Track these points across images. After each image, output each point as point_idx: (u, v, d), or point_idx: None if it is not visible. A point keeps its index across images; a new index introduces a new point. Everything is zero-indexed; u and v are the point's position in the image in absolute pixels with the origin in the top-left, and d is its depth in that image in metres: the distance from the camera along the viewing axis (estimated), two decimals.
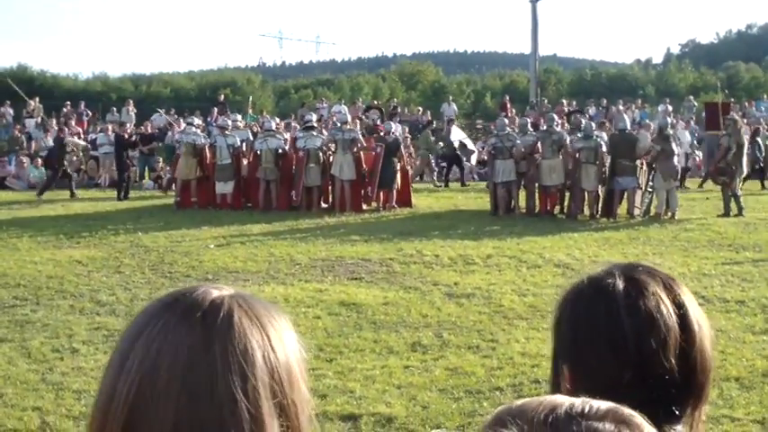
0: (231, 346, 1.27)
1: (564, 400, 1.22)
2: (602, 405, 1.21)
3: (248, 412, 1.25)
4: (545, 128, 21.66)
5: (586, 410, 1.20)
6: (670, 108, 37.12)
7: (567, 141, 20.88)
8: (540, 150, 20.97)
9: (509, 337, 10.14)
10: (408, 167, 24.05)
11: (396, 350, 9.73)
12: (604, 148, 20.37)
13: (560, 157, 20.78)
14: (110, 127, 32.11)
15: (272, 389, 1.28)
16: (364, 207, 22.00)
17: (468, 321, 10.93)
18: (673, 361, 1.69)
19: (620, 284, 1.77)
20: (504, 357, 9.34)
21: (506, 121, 23.59)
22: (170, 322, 1.29)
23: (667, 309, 1.73)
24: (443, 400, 8.03)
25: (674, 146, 20.34)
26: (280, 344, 1.33)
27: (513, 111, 37.21)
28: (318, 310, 11.53)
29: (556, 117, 22.94)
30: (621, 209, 20.41)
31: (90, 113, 37.75)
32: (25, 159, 29.76)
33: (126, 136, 26.39)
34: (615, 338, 1.72)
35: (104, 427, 1.28)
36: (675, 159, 20.35)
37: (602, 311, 1.75)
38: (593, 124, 22.62)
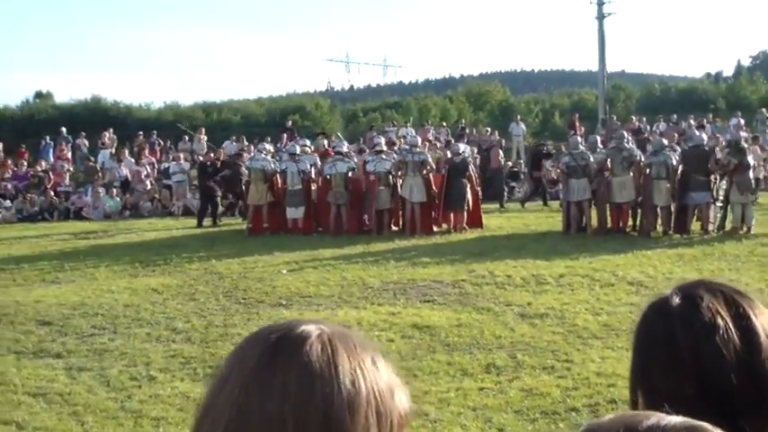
0: (319, 398, 1.26)
1: (649, 416, 1.24)
2: (686, 423, 1.23)
3: None
4: (614, 145, 21.51)
5: (662, 424, 1.20)
6: (742, 122, 36.68)
7: (638, 158, 20.69)
8: (611, 167, 20.79)
9: (584, 357, 10.06)
10: (478, 188, 23.99)
11: (470, 372, 9.69)
12: (674, 163, 20.14)
13: (631, 173, 20.58)
14: (182, 156, 32.50)
15: None
16: (435, 229, 21.98)
17: (542, 342, 10.86)
18: (733, 375, 1.69)
19: (677, 301, 1.79)
20: (580, 377, 9.26)
21: (579, 139, 23.48)
22: (261, 364, 1.28)
23: (725, 322, 1.74)
24: (519, 422, 7.98)
25: (749, 159, 20.09)
26: (366, 391, 1.32)
27: (583, 129, 36.98)
28: (391, 333, 11.53)
29: (625, 134, 22.72)
30: (695, 224, 20.16)
31: (162, 142, 38.19)
32: (101, 190, 30.18)
33: (208, 163, 26.60)
34: (672, 355, 1.74)
35: None
36: (751, 173, 20.06)
37: (661, 330, 1.79)
38: (664, 140, 22.38)
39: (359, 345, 1.33)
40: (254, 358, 1.29)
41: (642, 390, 1.77)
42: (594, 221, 21.13)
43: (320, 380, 1.26)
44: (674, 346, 1.74)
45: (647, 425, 1.22)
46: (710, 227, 20.00)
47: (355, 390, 1.28)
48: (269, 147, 25.86)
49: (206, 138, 37.51)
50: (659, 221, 20.31)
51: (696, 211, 20.21)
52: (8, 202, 29.75)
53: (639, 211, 20.81)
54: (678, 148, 21.84)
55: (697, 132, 23.45)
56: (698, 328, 1.74)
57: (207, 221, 25.37)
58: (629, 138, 22.90)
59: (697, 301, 1.78)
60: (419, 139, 25.37)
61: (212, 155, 28.14)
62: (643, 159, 20.71)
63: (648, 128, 36.90)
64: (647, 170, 20.31)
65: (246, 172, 24.02)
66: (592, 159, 21.20)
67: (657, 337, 1.78)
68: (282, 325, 1.35)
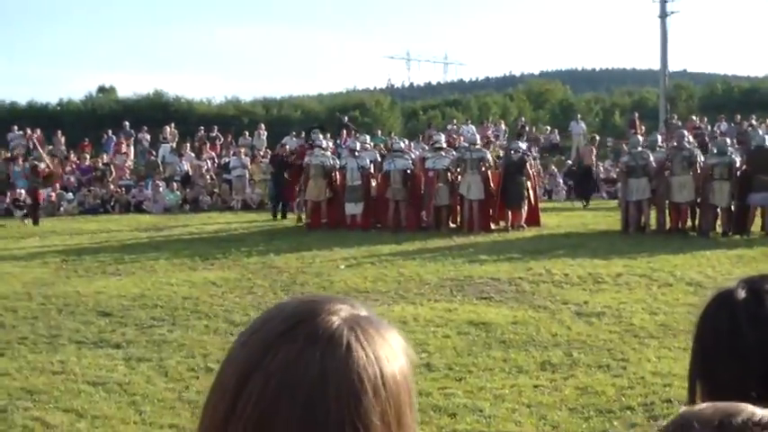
0: (347, 386, 1.25)
1: (743, 409, 1.23)
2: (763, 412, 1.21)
3: None
4: (675, 144, 21.35)
5: (763, 421, 1.20)
6: None
7: (699, 158, 20.49)
8: (671, 166, 20.60)
9: (640, 357, 10.00)
10: (537, 186, 23.93)
11: (525, 369, 9.67)
12: (737, 164, 19.93)
13: (690, 173, 20.38)
14: (242, 150, 32.72)
15: (382, 428, 1.26)
16: (493, 226, 21.94)
17: (599, 340, 10.80)
18: None
19: (743, 295, 1.77)
20: (635, 377, 9.21)
21: (640, 138, 23.33)
22: (290, 355, 1.27)
23: None
24: (573, 420, 7.95)
25: None
26: (392, 378, 1.29)
27: (643, 128, 36.68)
28: (448, 329, 11.53)
29: (686, 133, 22.52)
30: (755, 225, 19.94)
31: (222, 138, 38.46)
32: (161, 183, 30.47)
33: (284, 156, 26.68)
34: (738, 349, 1.72)
35: None
36: None
37: (725, 323, 1.76)
38: (728, 140, 22.13)
39: (377, 333, 1.32)
40: (282, 351, 1.28)
41: (703, 381, 1.76)
42: (653, 221, 20.98)
43: (340, 375, 1.26)
44: (740, 339, 1.72)
45: (753, 419, 1.21)
46: None
47: (379, 371, 1.28)
48: (327, 142, 25.92)
49: (266, 133, 37.73)
50: (719, 222, 20.11)
51: (758, 212, 19.97)
52: (70, 195, 30.12)
53: (698, 211, 20.62)
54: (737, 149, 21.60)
55: (761, 132, 23.13)
56: (764, 322, 1.73)
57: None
58: (690, 138, 22.68)
59: (763, 295, 1.77)
60: (478, 137, 25.32)
61: (287, 149, 28.12)
62: (703, 159, 20.51)
63: (709, 128, 36.52)
64: (710, 171, 20.08)
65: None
66: (652, 159, 21.03)
67: (722, 330, 1.76)
68: (305, 309, 1.34)
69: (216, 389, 1.32)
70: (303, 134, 31.44)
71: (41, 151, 29.00)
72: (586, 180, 29.32)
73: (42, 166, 26.81)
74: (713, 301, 1.83)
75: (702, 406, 1.27)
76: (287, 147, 28.46)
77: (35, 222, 25.32)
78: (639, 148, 21.66)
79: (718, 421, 1.21)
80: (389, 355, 1.31)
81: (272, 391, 1.25)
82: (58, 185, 29.59)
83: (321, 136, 25.65)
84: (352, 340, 1.29)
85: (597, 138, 32.50)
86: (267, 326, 1.33)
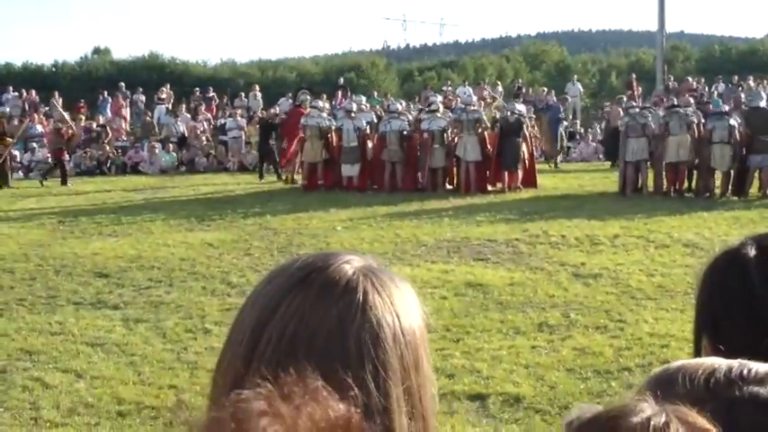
0: (365, 332, 1.25)
1: (721, 363, 1.22)
2: (761, 368, 1.21)
3: (379, 401, 1.23)
4: (673, 104, 21.37)
5: (745, 374, 1.20)
6: None
7: (695, 120, 20.43)
8: (668, 127, 20.53)
9: (637, 318, 10.03)
10: (534, 148, 23.89)
11: (522, 330, 9.70)
12: (738, 128, 19.86)
13: (688, 134, 20.31)
14: (238, 112, 32.62)
15: (401, 374, 1.26)
16: (489, 188, 21.93)
17: (596, 302, 10.84)
18: None
19: (753, 252, 1.76)
20: (633, 338, 9.24)
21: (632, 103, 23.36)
22: (306, 301, 1.27)
23: None
24: (571, 380, 7.99)
25: None
26: (408, 325, 1.30)
27: (640, 89, 36.59)
28: (445, 290, 11.56)
29: (691, 101, 22.47)
30: (753, 187, 19.94)
31: (218, 99, 38.39)
32: (157, 145, 30.40)
33: (269, 120, 26.67)
34: (750, 306, 1.72)
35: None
36: None
37: (736, 280, 1.76)
38: (726, 106, 22.03)
39: (392, 282, 1.34)
40: (298, 296, 1.29)
41: (710, 340, 1.74)
42: (651, 183, 20.96)
43: (358, 321, 1.26)
44: (753, 299, 1.71)
45: (733, 373, 1.20)
46: None
47: (397, 317, 1.29)
48: (323, 104, 25.84)
49: (261, 95, 37.63)
50: (717, 184, 20.09)
51: (757, 174, 19.94)
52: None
53: (696, 172, 20.61)
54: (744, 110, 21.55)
55: (762, 93, 23.04)
56: None
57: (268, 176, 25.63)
58: (691, 100, 22.64)
59: None
60: (474, 98, 25.25)
61: (273, 112, 28.16)
62: (703, 122, 20.45)
63: (707, 89, 36.44)
64: (710, 134, 19.98)
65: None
66: (650, 119, 21.00)
67: (732, 288, 1.76)
68: (318, 259, 1.35)
69: (232, 339, 1.33)
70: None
71: (63, 113, 28.82)
72: (614, 140, 29.20)
73: (65, 128, 26.79)
74: (721, 260, 1.82)
75: (677, 364, 1.26)
76: (276, 109, 28.43)
77: (63, 182, 25.48)
78: (638, 109, 21.65)
79: (704, 377, 1.20)
80: (406, 304, 1.33)
81: (290, 335, 1.26)
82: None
83: (309, 97, 25.64)
84: (368, 287, 1.30)
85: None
86: (281, 276, 1.34)
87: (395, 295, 1.31)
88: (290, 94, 33.85)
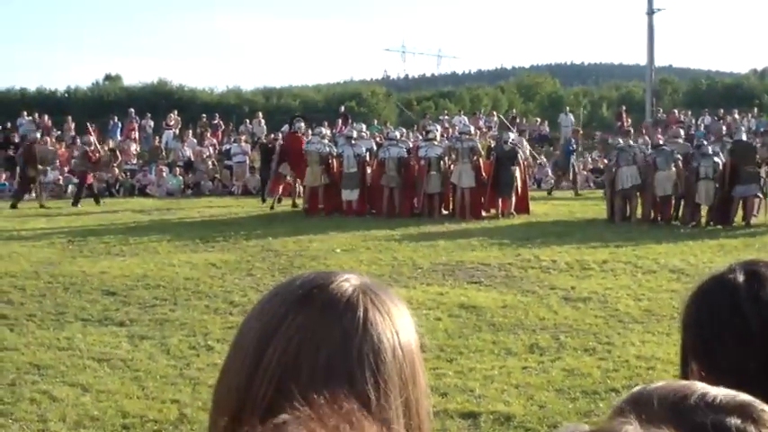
0: (367, 346, 1.26)
1: (698, 389, 1.22)
2: (736, 398, 1.20)
3: (380, 413, 1.23)
4: (659, 142, 21.57)
5: (716, 402, 1.19)
6: None
7: (679, 157, 20.62)
8: (655, 163, 20.68)
9: (624, 341, 10.02)
10: (527, 176, 23.93)
11: (514, 351, 9.69)
12: (721, 164, 19.98)
13: (673, 170, 20.46)
14: (243, 138, 32.67)
15: (400, 387, 1.27)
16: (483, 214, 21.95)
17: (585, 324, 10.83)
18: None
19: (741, 278, 1.76)
20: (620, 360, 9.23)
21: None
22: (310, 316, 1.27)
23: None
24: (560, 400, 7.97)
25: None
26: (406, 340, 1.31)
27: (629, 120, 36.68)
28: (439, 312, 11.54)
29: (681, 132, 22.75)
30: (737, 216, 19.98)
31: (223, 125, 38.45)
32: (164, 168, 30.44)
33: (269, 145, 26.70)
34: (740, 330, 1.71)
35: (241, 411, 1.26)
36: None
37: (726, 305, 1.75)
38: (711, 149, 22.14)
39: (388, 298, 1.34)
40: (301, 314, 1.29)
41: (699, 363, 1.73)
42: (639, 211, 21.02)
43: (359, 338, 1.27)
44: (743, 323, 1.71)
45: (705, 399, 1.20)
46: (754, 220, 19.83)
47: (396, 333, 1.30)
48: (325, 131, 25.90)
49: (264, 121, 37.69)
50: (703, 214, 20.15)
51: (741, 204, 20.02)
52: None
53: (683, 203, 20.68)
54: (728, 143, 21.72)
55: (742, 128, 23.26)
56: (766, 304, 1.72)
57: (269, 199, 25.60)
58: (681, 132, 22.90)
59: (762, 280, 1.76)
60: (472, 128, 25.33)
61: (272, 136, 28.23)
62: (691, 152, 20.71)
63: (694, 121, 36.55)
64: (697, 171, 20.07)
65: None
66: (639, 151, 21.22)
67: (722, 312, 1.74)
68: (318, 277, 1.35)
69: (235, 356, 1.32)
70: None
71: (93, 139, 28.87)
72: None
73: (91, 151, 26.81)
74: (709, 285, 1.81)
75: (658, 384, 1.26)
76: (279, 135, 28.51)
77: (75, 203, 25.53)
78: (630, 142, 21.94)
79: (675, 400, 1.21)
80: (403, 320, 1.33)
81: (295, 349, 1.26)
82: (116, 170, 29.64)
83: (303, 124, 25.70)
84: (368, 304, 1.30)
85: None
86: (282, 294, 1.34)
87: (393, 312, 1.32)
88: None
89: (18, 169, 27.50)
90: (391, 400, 1.26)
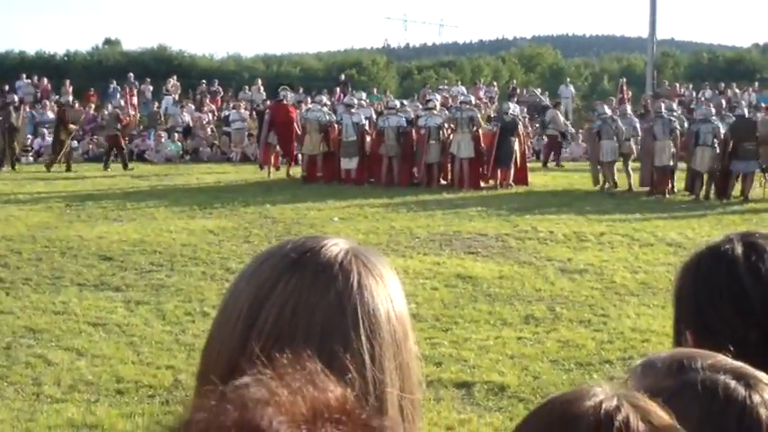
0: (362, 310, 1.25)
1: (701, 354, 1.23)
2: (730, 362, 1.21)
3: (375, 375, 1.23)
4: (658, 110, 21.53)
5: (717, 364, 1.20)
6: None
7: (677, 126, 20.66)
8: (654, 132, 20.71)
9: (620, 313, 10.04)
10: (525, 147, 23.87)
11: (509, 322, 9.71)
12: (722, 131, 19.96)
13: (670, 140, 20.49)
14: (242, 104, 32.56)
15: (394, 350, 1.27)
16: (482, 184, 21.93)
17: (581, 296, 10.85)
18: None
19: (739, 248, 1.75)
20: (615, 332, 9.26)
21: (606, 108, 23.79)
22: (303, 281, 1.27)
23: None
24: (554, 371, 8.00)
25: None
26: (399, 303, 1.31)
27: (630, 93, 36.59)
28: (436, 282, 11.56)
29: (674, 105, 22.80)
30: (735, 190, 19.96)
31: (223, 92, 38.37)
32: (163, 134, 30.38)
33: (265, 111, 26.61)
34: (739, 300, 1.70)
35: (230, 376, 1.27)
36: None
37: (724, 275, 1.74)
38: (712, 108, 22.16)
39: (379, 262, 1.34)
40: (294, 277, 1.28)
41: (694, 334, 1.71)
42: (636, 182, 21.09)
43: (354, 300, 1.26)
44: (742, 293, 1.70)
45: (701, 360, 1.21)
46: (751, 194, 19.82)
47: (389, 296, 1.30)
48: (325, 99, 25.81)
49: (264, 88, 37.58)
50: (702, 187, 20.13)
51: (740, 179, 20.01)
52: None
53: (684, 175, 20.73)
54: (730, 116, 21.69)
55: (744, 102, 23.26)
56: (766, 277, 1.71)
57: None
58: (674, 105, 22.91)
59: (761, 250, 1.75)
60: (472, 98, 25.26)
61: (269, 103, 28.12)
62: (687, 126, 20.74)
63: (694, 94, 36.48)
64: (694, 137, 20.10)
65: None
66: (620, 123, 21.71)
67: (720, 282, 1.73)
68: (307, 242, 1.34)
69: (225, 320, 1.31)
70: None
71: (126, 103, 28.77)
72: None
73: (123, 115, 27.07)
74: (706, 256, 1.80)
75: (667, 351, 1.27)
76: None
77: (125, 167, 25.50)
78: (608, 113, 22.37)
79: (677, 363, 1.21)
80: (394, 284, 1.33)
81: (290, 313, 1.25)
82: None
83: (290, 93, 25.59)
84: (361, 268, 1.30)
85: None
86: (272, 259, 1.33)
87: (385, 276, 1.32)
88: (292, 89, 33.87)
89: (51, 133, 27.76)
90: (386, 363, 1.25)
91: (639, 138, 21.75)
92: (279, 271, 1.29)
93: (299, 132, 23.69)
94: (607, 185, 21.31)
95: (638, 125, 22.25)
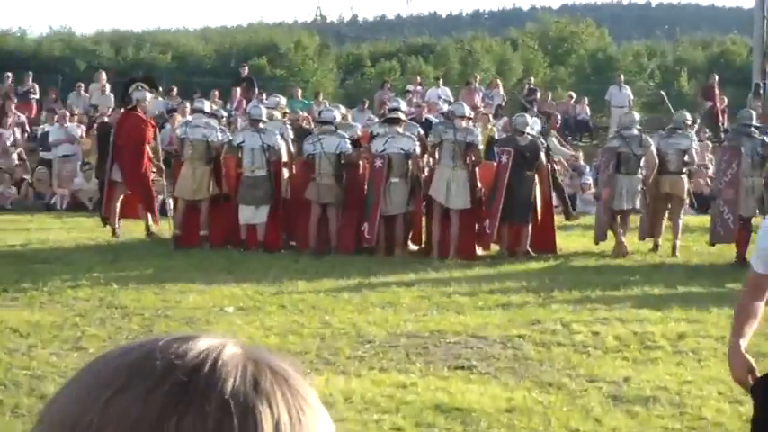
0: None
1: None
2: None
3: None
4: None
5: None
6: None
7: None
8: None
9: None
10: (551, 188, 23.97)
11: None
12: None
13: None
14: (74, 114, 32.55)
15: None
16: (480, 252, 21.96)
17: None
18: None
19: None
20: None
21: (636, 116, 24.05)
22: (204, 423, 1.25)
23: None
24: None
25: None
26: None
27: (725, 99, 36.98)
28: (400, 417, 11.45)
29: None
30: None
31: (39, 93, 38.29)
32: None
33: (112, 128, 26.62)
34: None
35: None
36: None
37: None
38: None
39: (300, 386, 1.34)
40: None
41: None
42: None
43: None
44: None
45: None
46: None
47: None
48: (214, 106, 25.84)
49: (111, 87, 37.58)
50: None
51: None
52: None
53: None
54: None
55: None
56: None
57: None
58: None
59: None
60: (465, 108, 25.20)
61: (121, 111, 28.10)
62: None
63: None
64: None
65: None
66: (653, 147, 21.97)
67: None
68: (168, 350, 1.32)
69: None
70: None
71: None
72: None
73: None
74: None
75: None
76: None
77: None
78: (635, 131, 22.55)
79: None
80: (322, 422, 1.34)
81: None
82: None
83: (149, 94, 25.25)
84: (273, 398, 1.28)
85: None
86: (135, 380, 1.28)
87: (306, 411, 1.32)
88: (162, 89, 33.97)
89: None
90: None
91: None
92: (159, 409, 1.25)
93: (162, 164, 23.65)
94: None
95: None
